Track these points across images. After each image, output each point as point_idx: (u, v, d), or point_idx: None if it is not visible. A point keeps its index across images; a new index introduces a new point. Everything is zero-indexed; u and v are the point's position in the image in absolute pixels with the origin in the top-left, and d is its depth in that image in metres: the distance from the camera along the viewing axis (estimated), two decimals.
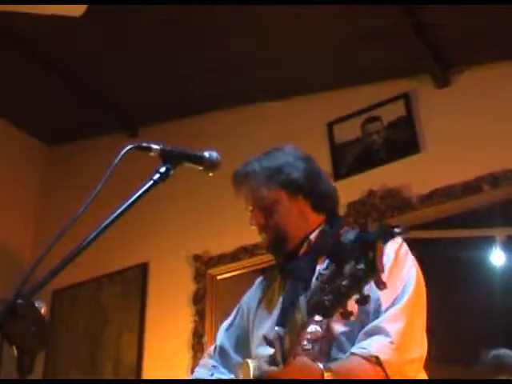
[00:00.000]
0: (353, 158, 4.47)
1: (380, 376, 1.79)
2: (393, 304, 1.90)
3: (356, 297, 1.37)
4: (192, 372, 2.41)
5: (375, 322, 1.88)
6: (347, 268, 1.37)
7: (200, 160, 1.95)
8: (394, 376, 1.80)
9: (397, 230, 1.34)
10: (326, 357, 1.88)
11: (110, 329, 4.78)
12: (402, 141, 4.33)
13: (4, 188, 5.35)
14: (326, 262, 2.01)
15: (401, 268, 1.98)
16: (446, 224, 4.78)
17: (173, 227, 4.86)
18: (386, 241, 1.33)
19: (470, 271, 5.89)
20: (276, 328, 1.74)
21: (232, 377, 2.19)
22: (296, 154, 2.25)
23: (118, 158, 1.77)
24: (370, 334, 1.87)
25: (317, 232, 2.17)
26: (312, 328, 1.90)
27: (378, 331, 1.86)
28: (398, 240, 2.04)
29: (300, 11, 3.99)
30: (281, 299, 2.14)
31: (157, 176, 1.82)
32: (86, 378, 4.73)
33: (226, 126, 4.81)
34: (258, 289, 2.36)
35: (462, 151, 4.05)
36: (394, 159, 4.29)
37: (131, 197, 1.76)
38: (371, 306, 1.89)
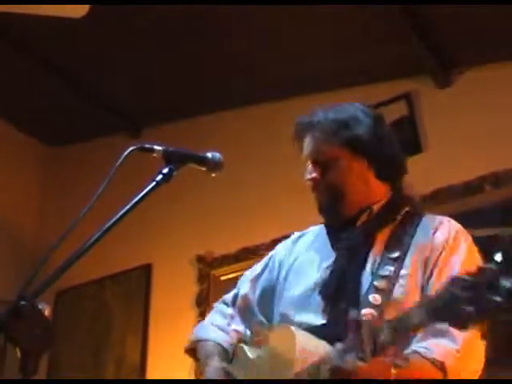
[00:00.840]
0: None
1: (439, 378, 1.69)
2: None
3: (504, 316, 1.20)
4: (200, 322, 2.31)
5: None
6: (504, 283, 1.19)
7: (203, 161, 1.95)
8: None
9: None
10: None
11: (113, 330, 4.79)
12: (404, 141, 4.32)
13: (5, 189, 5.35)
14: (387, 239, 1.92)
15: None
16: None
17: (176, 228, 4.86)
18: None
19: None
20: (370, 296, 1.65)
21: (248, 331, 2.12)
22: (366, 110, 2.09)
23: (120, 159, 1.77)
24: (433, 335, 1.73)
25: (381, 203, 2.01)
26: (367, 311, 1.78)
27: (443, 334, 1.73)
28: (469, 239, 1.95)
29: (301, 11, 3.99)
30: (325, 266, 1.98)
31: (160, 177, 1.82)
32: (89, 379, 4.73)
33: (229, 127, 4.81)
34: (295, 244, 2.20)
35: (464, 151, 4.05)
36: None
37: (134, 198, 1.76)
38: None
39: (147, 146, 1.86)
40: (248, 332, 2.13)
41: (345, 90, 4.56)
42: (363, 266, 1.89)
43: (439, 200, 4.02)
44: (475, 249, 1.92)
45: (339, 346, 1.61)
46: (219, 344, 2.09)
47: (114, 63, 4.71)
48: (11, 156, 5.48)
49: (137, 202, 1.75)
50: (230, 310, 2.20)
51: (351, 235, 1.97)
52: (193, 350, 2.16)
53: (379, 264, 1.88)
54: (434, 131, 4.24)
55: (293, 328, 1.79)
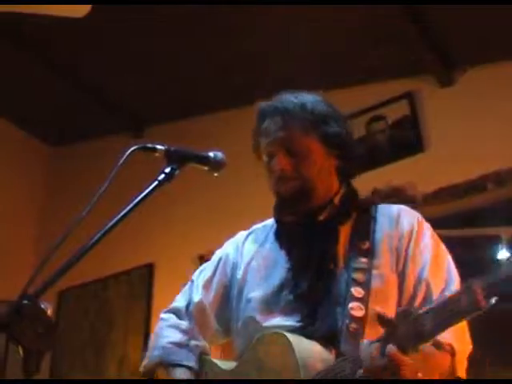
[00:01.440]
0: None
1: (447, 366, 1.69)
2: (445, 287, 1.79)
3: None
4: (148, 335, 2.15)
5: None
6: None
7: (205, 160, 1.95)
8: (459, 367, 1.71)
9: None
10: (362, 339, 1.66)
11: (115, 329, 4.79)
12: (407, 140, 4.33)
13: (8, 189, 5.36)
14: (351, 232, 1.90)
15: (441, 253, 1.89)
16: (450, 223, 4.77)
17: (178, 228, 4.86)
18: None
19: (475, 270, 5.88)
20: (352, 289, 1.62)
21: (207, 345, 2.01)
22: (336, 108, 2.07)
23: (122, 159, 1.77)
24: None
25: (339, 197, 1.98)
26: (354, 304, 1.75)
27: None
28: (428, 225, 1.95)
29: (303, 11, 3.99)
30: (287, 265, 1.92)
31: (162, 176, 1.81)
32: (91, 379, 4.74)
33: (231, 126, 4.80)
34: (245, 243, 2.11)
35: (466, 150, 4.05)
36: (398, 158, 4.29)
37: (136, 197, 1.76)
38: (418, 286, 1.79)
39: (149, 145, 1.86)
40: (207, 344, 2.02)
41: (346, 90, 4.56)
42: (334, 261, 1.86)
43: (441, 199, 4.02)
44: (434, 232, 1.95)
45: (375, 343, 1.54)
46: (189, 367, 1.95)
47: (116, 63, 4.72)
48: (14, 155, 5.49)
49: (139, 202, 1.75)
50: (185, 324, 2.06)
51: (314, 230, 1.92)
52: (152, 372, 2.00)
53: (350, 257, 1.85)
54: (436, 130, 4.24)
55: (287, 334, 1.70)
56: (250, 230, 2.17)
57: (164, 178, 1.81)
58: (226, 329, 2.03)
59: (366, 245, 1.87)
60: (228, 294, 2.05)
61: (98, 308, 5.00)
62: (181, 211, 4.91)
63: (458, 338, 1.71)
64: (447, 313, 1.43)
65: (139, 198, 1.75)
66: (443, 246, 1.93)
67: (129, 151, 1.79)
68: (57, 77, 4.85)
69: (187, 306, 2.10)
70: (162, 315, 2.14)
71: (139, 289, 4.80)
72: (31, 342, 1.42)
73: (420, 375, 1.51)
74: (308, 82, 4.56)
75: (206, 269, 2.16)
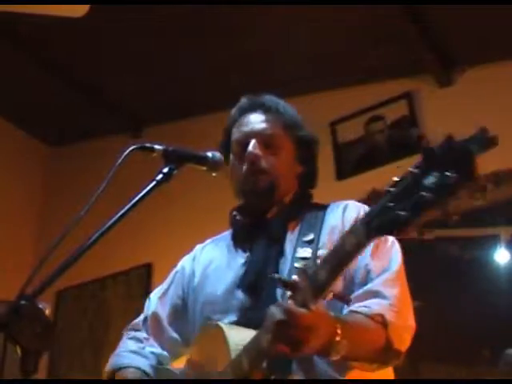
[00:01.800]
0: (356, 158, 4.47)
1: (382, 337, 1.68)
2: (384, 270, 1.80)
3: (437, 210, 1.20)
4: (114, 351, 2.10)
5: (369, 286, 1.77)
6: (429, 180, 1.20)
7: (203, 160, 1.95)
8: (395, 341, 1.69)
9: (494, 139, 1.22)
10: None
11: (113, 329, 4.78)
12: (405, 140, 4.33)
13: (7, 189, 5.36)
14: (299, 227, 1.93)
15: (385, 239, 1.86)
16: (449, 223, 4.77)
17: (177, 228, 4.86)
18: (481, 150, 1.22)
19: (474, 270, 5.89)
20: (299, 266, 1.59)
21: (165, 353, 2.02)
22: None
23: (120, 159, 1.77)
24: (364, 298, 1.74)
25: (291, 197, 2.03)
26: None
27: (373, 295, 1.75)
28: None
29: (302, 11, 3.99)
30: (240, 262, 1.95)
31: (160, 176, 1.82)
32: (89, 379, 4.73)
33: None
34: (200, 256, 2.14)
35: None
36: (397, 158, 4.29)
37: (134, 197, 1.76)
38: (358, 273, 1.79)
39: (147, 145, 1.87)
40: (164, 353, 2.03)
41: (345, 90, 4.57)
42: (281, 254, 1.89)
43: None
44: None
45: (277, 304, 1.52)
46: (139, 369, 1.96)
47: (115, 63, 4.71)
48: (13, 155, 5.49)
49: (137, 202, 1.75)
50: (143, 334, 2.08)
51: (269, 225, 1.96)
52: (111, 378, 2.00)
53: (295, 248, 1.87)
54: (434, 130, 4.24)
55: (220, 324, 1.74)
56: (207, 242, 2.22)
57: (162, 178, 1.82)
58: (186, 338, 2.03)
59: (311, 236, 1.89)
60: (185, 305, 2.06)
61: (96, 308, 5.00)
62: (179, 211, 4.90)
63: (392, 310, 1.72)
64: (336, 258, 1.42)
65: (137, 198, 1.76)
66: None
67: (127, 151, 1.80)
68: (55, 77, 4.84)
69: (144, 320, 2.12)
70: (124, 332, 2.14)
71: (137, 289, 4.80)
72: (29, 342, 1.42)
73: (339, 331, 1.51)
74: (307, 82, 4.61)
75: (163, 284, 2.19)
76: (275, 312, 1.48)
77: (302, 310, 1.45)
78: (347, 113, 4.56)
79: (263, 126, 2.04)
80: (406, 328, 1.76)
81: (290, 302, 1.48)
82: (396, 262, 1.85)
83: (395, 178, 1.28)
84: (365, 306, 1.71)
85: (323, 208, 2.01)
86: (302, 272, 1.48)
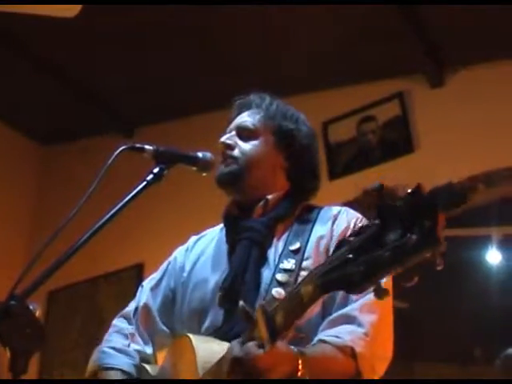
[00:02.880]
0: (348, 158, 4.47)
1: (351, 369, 1.63)
2: (365, 294, 1.65)
3: (396, 271, 1.13)
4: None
5: (345, 310, 1.71)
6: (391, 237, 1.11)
7: (194, 160, 1.95)
8: (365, 372, 1.64)
9: (467, 194, 1.11)
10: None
11: (105, 329, 4.76)
12: (397, 140, 4.34)
13: None
14: (287, 233, 1.88)
15: None
16: None
17: (168, 228, 4.85)
18: (451, 208, 1.09)
19: (466, 270, 5.90)
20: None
21: (150, 347, 2.01)
22: (307, 123, 2.10)
23: (111, 159, 1.77)
24: (339, 323, 1.69)
25: (276, 195, 1.97)
26: (278, 292, 1.72)
27: (349, 320, 1.69)
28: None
29: (294, 11, 3.99)
30: (226, 261, 1.93)
31: (150, 177, 1.82)
32: (80, 379, 4.72)
33: (223, 127, 4.79)
34: (193, 247, 2.12)
35: (457, 150, 4.06)
36: (388, 159, 4.30)
37: (125, 198, 1.76)
38: (338, 294, 1.72)
39: (138, 145, 1.87)
40: (148, 350, 2.01)
41: (338, 90, 4.57)
42: (264, 260, 1.85)
43: None
44: None
45: (239, 338, 1.52)
46: (122, 370, 1.94)
47: (107, 63, 4.71)
48: (5, 155, 5.47)
49: (127, 202, 1.75)
50: (129, 329, 2.06)
51: (250, 225, 1.92)
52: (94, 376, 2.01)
53: (280, 257, 1.83)
54: (426, 131, 4.25)
55: (191, 336, 1.71)
56: (203, 233, 2.19)
57: (153, 178, 1.82)
58: (174, 331, 2.02)
59: (297, 245, 1.84)
60: (174, 297, 2.05)
61: (88, 308, 4.99)
62: (171, 212, 4.90)
63: (365, 340, 1.66)
64: (291, 305, 1.40)
65: (128, 198, 1.76)
66: None
67: (117, 151, 1.80)
68: (48, 76, 4.83)
69: (135, 310, 2.10)
70: (114, 321, 2.14)
71: (129, 289, 4.77)
72: (18, 343, 1.42)
73: (301, 368, 1.50)
74: (299, 82, 4.61)
75: (156, 274, 2.16)
76: (235, 349, 1.49)
77: (259, 352, 1.44)
78: (339, 113, 4.56)
79: (242, 119, 2.07)
80: (378, 358, 1.70)
81: (250, 342, 1.46)
82: None
83: (358, 226, 1.24)
84: (335, 336, 1.66)
85: (315, 212, 1.96)
86: (261, 310, 1.44)
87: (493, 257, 5.56)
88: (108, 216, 1.71)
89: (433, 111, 4.30)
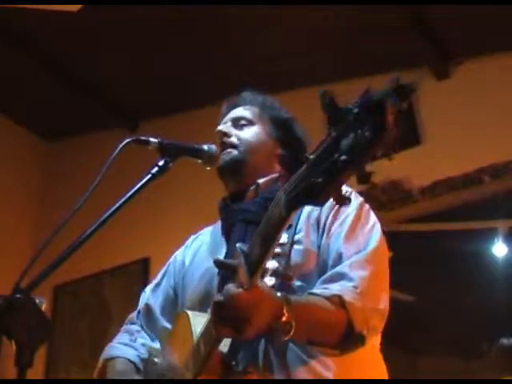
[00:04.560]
0: None
1: (342, 319, 1.61)
2: (356, 253, 1.73)
3: (353, 171, 1.15)
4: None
5: (336, 269, 1.71)
6: (345, 141, 1.14)
7: (199, 153, 1.95)
8: (358, 323, 1.61)
9: (409, 86, 1.14)
10: None
11: (111, 324, 4.78)
12: (403, 133, 4.32)
13: (4, 184, 5.35)
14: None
15: (364, 223, 1.81)
16: (447, 216, 4.78)
17: (174, 221, 4.85)
18: (396, 99, 1.12)
19: (472, 263, 5.90)
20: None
21: (157, 343, 2.03)
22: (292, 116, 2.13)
23: (115, 152, 1.77)
24: (329, 281, 1.69)
25: (267, 179, 1.98)
26: (272, 264, 1.68)
27: (339, 277, 1.69)
28: (360, 198, 1.88)
29: (298, 5, 3.98)
30: (224, 248, 1.94)
31: (155, 170, 1.81)
32: (87, 375, 4.73)
33: None
34: (191, 245, 2.16)
35: (463, 143, 4.05)
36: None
37: (130, 191, 1.76)
38: (330, 257, 1.75)
39: (142, 138, 1.86)
40: (155, 345, 2.04)
41: (342, 83, 4.55)
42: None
43: (438, 192, 4.02)
44: (367, 206, 1.88)
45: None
46: (128, 359, 1.98)
47: (111, 58, 4.71)
48: (10, 151, 5.48)
49: (132, 195, 1.75)
50: (135, 327, 2.11)
51: (245, 208, 1.93)
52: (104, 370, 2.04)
53: None
54: (432, 123, 4.24)
55: (188, 311, 1.74)
56: (201, 231, 2.21)
57: (157, 171, 1.82)
58: None
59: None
60: (175, 296, 2.07)
61: (94, 303, 5.00)
62: (177, 205, 4.90)
63: (355, 292, 1.65)
64: (264, 231, 1.41)
65: (132, 191, 1.75)
66: (371, 216, 1.85)
67: (122, 144, 1.79)
68: (53, 73, 4.83)
69: (138, 312, 2.15)
70: (123, 327, 2.18)
71: (135, 283, 4.78)
72: (24, 336, 1.42)
73: (285, 312, 1.48)
74: (304, 76, 4.59)
75: (157, 275, 2.19)
76: (215, 297, 1.50)
77: (238, 290, 1.43)
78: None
79: (237, 111, 2.10)
80: (371, 310, 1.67)
81: (229, 284, 1.47)
82: (372, 244, 1.77)
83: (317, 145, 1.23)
84: (324, 288, 1.67)
85: None
86: (238, 252, 1.45)
87: (499, 250, 5.55)
88: (113, 209, 1.71)
89: (438, 104, 4.28)
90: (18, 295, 1.44)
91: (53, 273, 1.59)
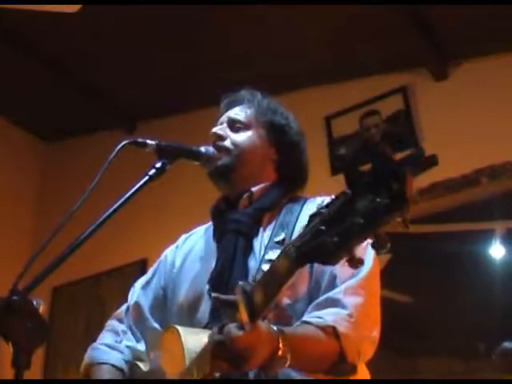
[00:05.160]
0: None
1: (335, 349, 1.62)
2: (350, 277, 1.72)
3: (369, 239, 1.13)
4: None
5: (330, 294, 1.71)
6: (361, 204, 1.11)
7: (196, 155, 1.95)
8: (350, 353, 1.63)
9: (433, 159, 1.13)
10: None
11: None
12: (401, 134, 4.33)
13: (3, 185, 5.35)
14: (273, 224, 1.88)
15: None
16: (445, 217, 4.78)
17: (171, 222, 4.84)
18: (417, 171, 1.11)
19: (469, 265, 5.89)
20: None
21: (142, 345, 2.02)
22: (294, 120, 2.12)
23: (113, 154, 1.77)
24: (323, 306, 1.69)
25: (261, 186, 1.98)
26: None
27: (333, 303, 1.69)
28: None
29: (298, 6, 3.97)
30: (214, 255, 1.92)
31: (153, 171, 1.81)
32: (85, 379, 4.72)
33: None
34: (182, 245, 2.15)
35: (461, 144, 4.05)
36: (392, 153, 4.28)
37: (127, 193, 1.76)
38: (324, 279, 1.73)
39: (140, 140, 1.86)
40: (141, 347, 2.03)
41: (341, 84, 4.56)
42: (250, 251, 1.85)
43: (436, 193, 4.01)
44: None
45: (220, 324, 1.51)
46: (113, 365, 1.97)
47: (110, 59, 4.71)
48: (9, 151, 5.48)
49: (129, 197, 1.75)
50: (121, 327, 2.08)
51: (236, 217, 1.92)
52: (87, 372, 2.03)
53: (266, 248, 1.83)
54: (430, 124, 4.24)
55: (178, 327, 1.70)
56: (192, 231, 2.20)
57: (155, 173, 1.82)
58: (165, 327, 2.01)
59: (282, 236, 1.84)
60: (165, 295, 2.06)
61: (92, 304, 4.99)
62: (173, 206, 4.89)
63: (349, 321, 1.66)
64: (270, 280, 1.39)
65: (129, 193, 1.75)
66: None
67: (119, 146, 1.79)
68: (51, 73, 4.84)
69: (127, 309, 2.12)
70: (107, 322, 2.16)
71: (133, 285, 4.79)
72: (21, 338, 1.42)
73: (281, 346, 1.48)
74: (302, 76, 4.60)
75: (148, 273, 2.19)
76: (215, 333, 1.48)
77: (239, 333, 1.43)
78: (342, 107, 4.55)
79: (234, 112, 2.08)
80: (363, 339, 1.69)
81: (229, 323, 1.46)
82: (365, 268, 1.75)
83: (332, 197, 1.21)
84: (318, 317, 1.66)
85: (301, 204, 1.95)
86: (241, 290, 1.43)
87: (496, 251, 5.55)
88: (110, 211, 1.71)
89: (436, 105, 4.29)
90: (15, 297, 1.44)
91: (51, 274, 1.59)
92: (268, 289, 1.38)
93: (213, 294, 1.55)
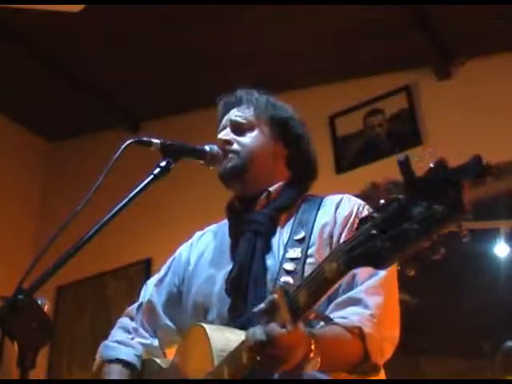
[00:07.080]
0: (355, 151, 4.46)
1: (359, 349, 1.64)
2: (370, 276, 1.73)
3: (422, 243, 1.13)
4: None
5: (351, 293, 1.72)
6: (417, 210, 1.11)
7: (201, 154, 1.95)
8: (373, 353, 1.65)
9: (489, 166, 1.12)
10: None
11: (114, 325, 4.77)
12: (405, 133, 4.33)
13: (6, 184, 5.35)
14: (291, 222, 1.89)
15: None
16: None
17: (176, 222, 4.84)
18: (475, 176, 1.11)
19: (474, 264, 5.88)
20: (281, 279, 1.50)
21: (155, 342, 2.03)
22: (295, 113, 2.12)
23: (118, 153, 1.77)
24: (345, 305, 1.71)
25: (278, 186, 1.98)
26: (286, 280, 1.72)
27: (354, 302, 1.70)
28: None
29: (299, 5, 3.97)
30: (229, 255, 1.93)
31: (157, 170, 1.81)
32: (90, 375, 4.73)
33: None
34: (198, 243, 2.14)
35: (464, 143, 4.04)
36: (396, 152, 4.28)
37: (131, 192, 1.75)
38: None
39: (145, 139, 1.86)
40: (155, 343, 2.03)
41: (344, 83, 4.56)
42: (268, 250, 1.85)
43: None
44: None
45: (259, 325, 1.49)
46: (125, 361, 1.99)
47: (113, 58, 4.71)
48: (12, 151, 5.48)
49: (134, 196, 1.74)
50: (132, 324, 2.09)
51: (254, 218, 1.92)
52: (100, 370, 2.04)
53: (285, 247, 1.83)
54: (433, 123, 4.23)
55: (204, 325, 1.70)
56: (206, 229, 2.19)
57: (159, 171, 1.81)
58: (180, 326, 2.02)
59: (302, 234, 1.85)
60: (180, 294, 2.05)
61: (97, 304, 4.99)
62: (179, 206, 4.89)
63: (372, 321, 1.67)
64: (315, 284, 1.38)
65: (134, 192, 1.75)
66: None
67: (124, 145, 1.79)
68: (54, 73, 4.84)
69: (138, 307, 2.12)
70: (119, 319, 2.17)
71: (138, 284, 4.76)
72: (26, 337, 1.42)
73: (313, 348, 1.48)
74: (306, 75, 4.59)
75: (161, 271, 2.17)
76: (256, 332, 1.47)
77: (283, 332, 1.42)
78: (346, 106, 4.55)
79: (234, 115, 2.06)
80: (386, 339, 1.70)
81: (272, 324, 1.45)
82: None
83: (381, 201, 1.20)
84: (343, 317, 1.67)
85: (318, 202, 1.96)
86: (282, 292, 1.44)
87: (501, 250, 5.53)
88: (115, 210, 1.71)
89: (440, 103, 4.28)
90: (20, 296, 1.44)
91: (56, 273, 1.58)
92: (312, 291, 1.38)
93: (255, 309, 1.52)
